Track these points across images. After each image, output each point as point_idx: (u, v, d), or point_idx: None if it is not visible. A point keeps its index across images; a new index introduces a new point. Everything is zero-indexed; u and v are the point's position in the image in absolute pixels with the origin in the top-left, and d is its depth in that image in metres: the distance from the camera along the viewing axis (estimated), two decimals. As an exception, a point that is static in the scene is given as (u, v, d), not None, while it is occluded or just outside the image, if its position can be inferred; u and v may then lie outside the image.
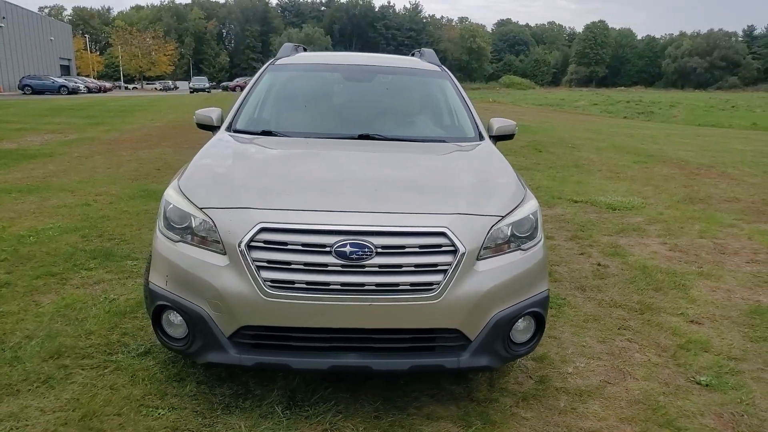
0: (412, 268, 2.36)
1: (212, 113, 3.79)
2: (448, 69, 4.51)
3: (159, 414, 2.59)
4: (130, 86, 75.54)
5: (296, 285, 2.33)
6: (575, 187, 8.68)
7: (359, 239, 2.33)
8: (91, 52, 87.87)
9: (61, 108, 25.36)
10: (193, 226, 2.48)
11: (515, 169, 3.16)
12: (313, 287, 2.33)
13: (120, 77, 79.68)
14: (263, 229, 2.35)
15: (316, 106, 3.91)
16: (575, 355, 3.35)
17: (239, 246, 2.33)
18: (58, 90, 44.94)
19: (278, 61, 4.26)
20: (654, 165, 11.24)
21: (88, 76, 70.37)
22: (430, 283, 2.37)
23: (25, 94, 43.73)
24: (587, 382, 3.05)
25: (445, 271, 2.37)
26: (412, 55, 4.94)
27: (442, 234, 2.39)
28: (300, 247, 2.33)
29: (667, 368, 3.23)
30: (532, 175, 9.76)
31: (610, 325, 3.79)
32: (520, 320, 2.59)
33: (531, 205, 2.74)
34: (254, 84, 3.97)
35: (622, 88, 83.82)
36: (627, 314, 3.98)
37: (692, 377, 3.13)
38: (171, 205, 2.60)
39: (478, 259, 2.46)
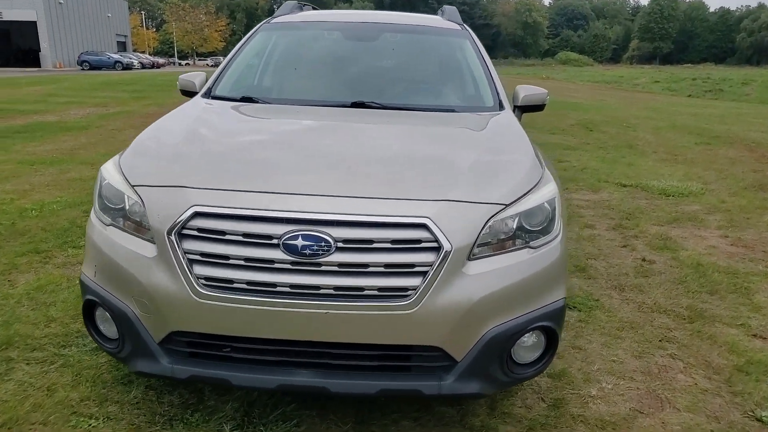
0: (382, 269, 1.86)
1: (196, 78, 3.36)
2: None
3: (89, 426, 2.20)
4: (183, 62, 76.71)
5: (235, 285, 1.87)
6: (626, 170, 7.88)
7: (314, 230, 1.84)
8: (147, 28, 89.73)
9: (111, 82, 25.82)
10: (127, 207, 2.05)
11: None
12: (255, 288, 1.86)
13: (174, 53, 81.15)
14: (197, 214, 1.89)
15: (307, 69, 3.41)
16: (602, 372, 2.78)
17: (168, 234, 1.88)
18: (113, 65, 46.12)
19: (274, 20, 3.76)
20: (719, 147, 10.19)
21: (143, 52, 71.91)
22: (405, 288, 1.86)
23: (83, 69, 45.03)
24: (613, 410, 2.48)
25: (424, 274, 1.86)
26: (435, 13, 4.36)
27: (423, 226, 1.87)
28: (240, 238, 1.86)
29: (719, 397, 2.62)
30: (579, 155, 8.98)
31: (649, 335, 3.18)
32: (525, 336, 2.05)
33: (547, 191, 2.17)
34: (243, 45, 3.50)
35: (689, 65, 79.04)
36: (672, 322, 3.34)
37: (751, 411, 2.51)
38: (106, 181, 2.18)
39: (470, 259, 1.93)
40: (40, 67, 47.12)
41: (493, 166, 2.23)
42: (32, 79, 26.44)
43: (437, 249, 1.86)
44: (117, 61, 46.73)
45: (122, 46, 66.39)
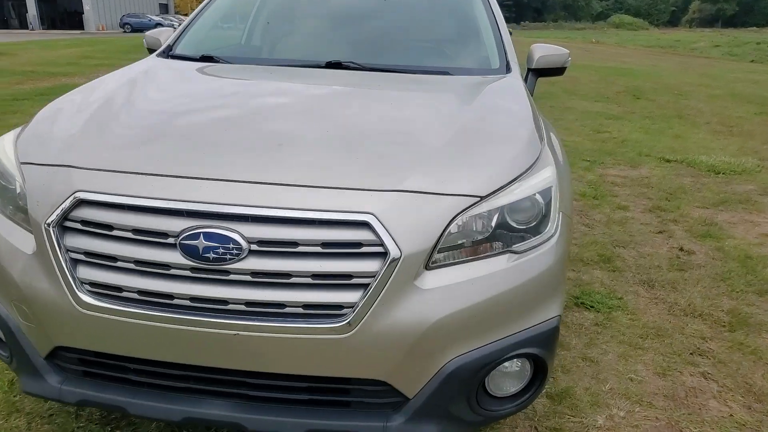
0: (309, 280, 1.43)
1: (162, 35, 2.95)
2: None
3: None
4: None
5: (125, 293, 1.47)
6: (672, 143, 7.14)
7: (219, 226, 1.42)
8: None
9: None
10: (18, 190, 1.67)
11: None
12: (149, 300, 1.46)
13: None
14: (82, 202, 1.49)
15: (282, 23, 2.95)
16: (615, 394, 2.30)
17: (47, 226, 1.50)
18: (154, 27, 46.24)
19: None
20: (780, 118, 9.22)
21: (186, 14, 72.06)
22: (339, 306, 1.43)
23: (125, 32, 45.41)
24: (623, 448, 2.02)
25: (365, 287, 1.42)
26: None
27: (364, 225, 1.43)
28: (130, 235, 1.46)
29: (759, 434, 2.12)
30: (622, 125, 8.23)
31: (679, 346, 2.67)
32: (502, 365, 1.61)
33: (541, 179, 1.68)
34: None
35: (754, 28, 73.81)
36: (709, 330, 2.81)
37: (799, 459, 2.01)
38: None
39: (428, 268, 1.48)
40: (83, 29, 47.77)
41: (474, 145, 1.75)
42: (70, 42, 26.68)
43: (383, 255, 1.42)
44: (158, 23, 46.89)
45: (164, 8, 66.52)
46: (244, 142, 1.67)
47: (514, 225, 1.60)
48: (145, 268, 1.45)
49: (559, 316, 1.68)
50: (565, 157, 2.11)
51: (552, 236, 1.66)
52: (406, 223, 1.45)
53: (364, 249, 1.43)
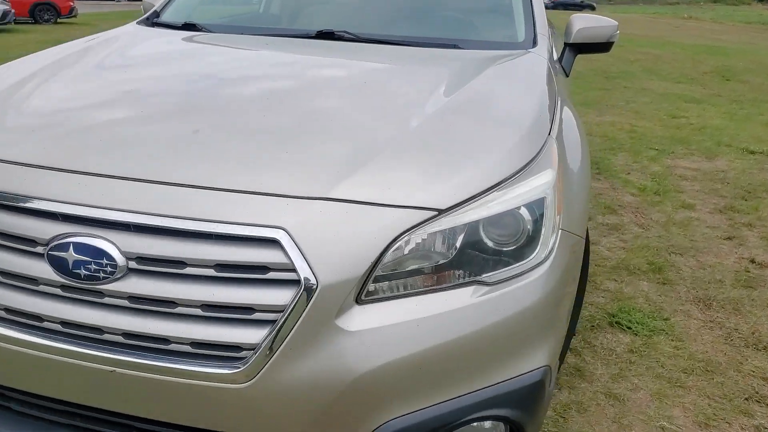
0: (198, 311, 1.12)
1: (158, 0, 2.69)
2: None
3: None
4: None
5: None
6: (759, 131, 6.28)
7: (91, 234, 1.12)
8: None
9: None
10: None
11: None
12: (16, 319, 1.20)
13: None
14: None
15: None
16: (638, 448, 1.88)
17: None
18: None
19: None
20: None
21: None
22: (236, 347, 1.11)
23: None
24: None
25: (271, 324, 1.10)
26: None
27: (273, 242, 1.09)
28: None
29: None
30: (703, 110, 7.37)
31: (732, 387, 2.18)
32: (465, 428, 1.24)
33: (529, 188, 1.28)
34: None
35: None
36: (774, 369, 2.30)
37: None
38: None
39: (360, 302, 1.13)
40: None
41: (446, 141, 1.36)
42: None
43: (296, 283, 1.08)
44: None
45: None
46: (155, 130, 1.37)
47: (486, 247, 1.22)
48: (11, 280, 1.19)
49: (547, 367, 1.29)
50: (584, 156, 1.68)
51: (541, 263, 1.27)
52: (329, 243, 1.10)
53: (272, 275, 1.10)
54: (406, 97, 1.58)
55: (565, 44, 2.43)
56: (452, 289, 1.19)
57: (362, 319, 1.12)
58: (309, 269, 1.08)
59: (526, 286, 1.24)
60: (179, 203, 1.12)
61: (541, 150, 1.39)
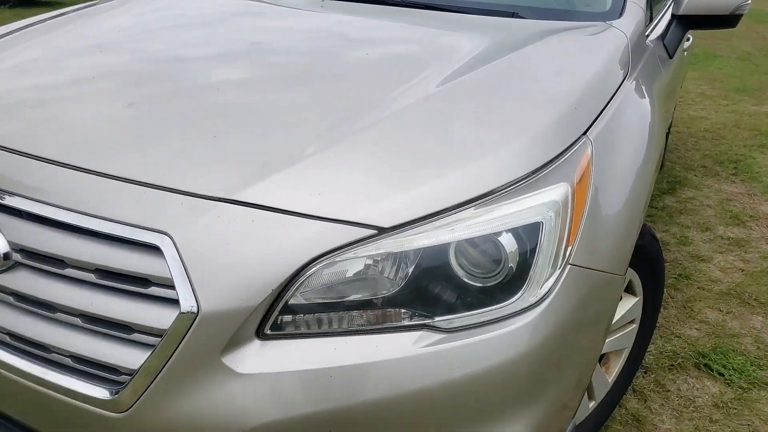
0: (77, 320, 0.95)
1: None
2: None
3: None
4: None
5: None
6: None
7: None
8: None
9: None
10: None
11: None
12: None
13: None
14: None
15: None
16: None
17: None
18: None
19: None
20: None
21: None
22: (116, 370, 0.93)
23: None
24: None
25: (152, 348, 0.89)
26: None
27: (156, 250, 0.88)
28: None
29: None
30: None
31: None
32: None
33: (518, 209, 0.94)
34: None
35: None
36: None
37: None
38: None
39: (260, 336, 0.89)
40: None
41: (425, 135, 1.05)
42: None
43: (177, 304, 0.87)
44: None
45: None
46: (79, 103, 1.19)
47: (446, 282, 0.92)
48: None
49: None
50: (647, 165, 1.27)
51: (527, 310, 0.93)
52: (223, 258, 0.87)
53: (153, 290, 0.89)
54: (398, 79, 1.26)
55: (672, 16, 1.91)
56: (390, 332, 0.91)
57: (259, 359, 0.88)
58: (190, 289, 0.85)
59: (500, 338, 0.92)
60: (64, 190, 0.95)
61: (559, 156, 1.03)
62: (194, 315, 0.85)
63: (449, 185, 0.95)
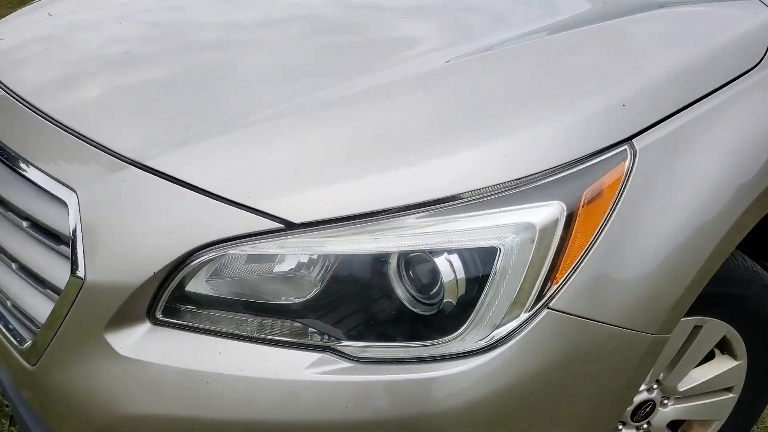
0: (13, 264, 0.94)
1: None
2: None
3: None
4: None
5: None
6: None
7: None
8: None
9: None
10: None
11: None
12: None
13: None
14: None
15: None
16: None
17: None
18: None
19: None
20: None
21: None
22: (31, 320, 0.90)
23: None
24: None
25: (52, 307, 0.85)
26: None
27: (62, 203, 0.83)
28: None
29: None
30: None
31: None
32: None
33: (472, 225, 0.72)
34: None
35: None
36: None
37: None
38: None
39: (153, 320, 0.79)
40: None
41: (396, 118, 0.85)
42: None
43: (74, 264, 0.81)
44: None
45: None
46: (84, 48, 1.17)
47: (362, 301, 0.74)
48: None
49: None
50: (726, 198, 0.92)
51: (473, 354, 0.72)
52: (118, 227, 0.79)
53: (62, 248, 0.84)
54: (411, 47, 1.04)
55: None
56: (286, 347, 0.76)
57: (145, 344, 0.79)
58: (82, 255, 0.79)
59: (425, 383, 0.72)
60: (11, 125, 0.94)
61: (568, 166, 0.77)
62: (81, 282, 0.78)
63: (394, 183, 0.75)
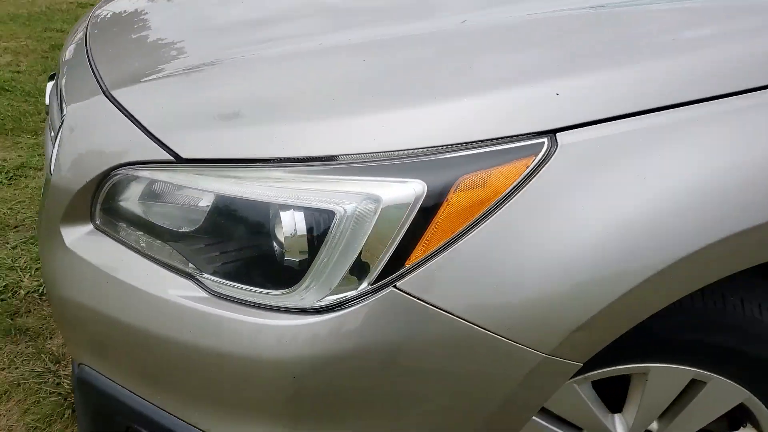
0: None
1: None
2: None
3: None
4: None
5: None
6: None
7: None
8: None
9: None
10: None
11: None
12: None
13: None
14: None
15: None
16: None
17: None
18: None
19: None
20: None
21: None
22: None
23: None
24: None
25: None
26: None
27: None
28: None
29: None
30: None
31: None
32: None
33: (319, 186, 0.74)
34: None
35: None
36: None
37: None
38: None
39: (94, 222, 0.93)
40: None
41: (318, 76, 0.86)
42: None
43: None
44: None
45: None
46: None
47: (227, 241, 0.79)
48: None
49: None
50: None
51: (306, 313, 0.75)
52: (81, 140, 0.94)
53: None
54: None
55: None
56: (168, 269, 0.84)
57: (83, 242, 0.93)
58: (56, 157, 0.95)
59: (258, 328, 0.76)
60: None
61: (459, 148, 0.73)
62: (50, 180, 0.95)
63: (278, 138, 0.78)
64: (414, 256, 0.72)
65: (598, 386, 0.97)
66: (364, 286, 0.73)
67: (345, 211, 0.71)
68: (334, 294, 0.73)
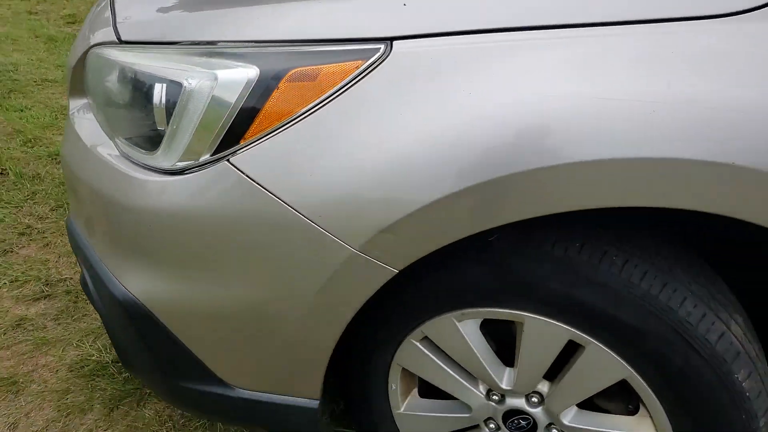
0: None
1: None
2: None
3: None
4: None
5: None
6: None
7: None
8: None
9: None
10: None
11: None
12: None
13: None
14: None
15: None
16: None
17: None
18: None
19: None
20: None
21: None
22: None
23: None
24: None
25: None
26: None
27: None
28: None
29: None
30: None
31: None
32: None
33: (184, 65, 0.86)
34: None
35: None
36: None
37: None
38: None
39: None
40: None
41: None
42: None
43: None
44: None
45: None
46: None
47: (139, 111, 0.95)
48: None
49: None
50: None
51: (161, 173, 0.89)
52: (92, 24, 1.13)
53: None
54: None
55: None
56: (104, 133, 1.03)
57: (79, 113, 1.16)
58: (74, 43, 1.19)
59: (140, 184, 0.91)
60: None
61: (301, 44, 0.80)
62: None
63: (191, 23, 0.89)
64: (247, 136, 0.80)
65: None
66: (206, 156, 0.83)
67: (190, 85, 0.81)
68: (183, 161, 0.85)
